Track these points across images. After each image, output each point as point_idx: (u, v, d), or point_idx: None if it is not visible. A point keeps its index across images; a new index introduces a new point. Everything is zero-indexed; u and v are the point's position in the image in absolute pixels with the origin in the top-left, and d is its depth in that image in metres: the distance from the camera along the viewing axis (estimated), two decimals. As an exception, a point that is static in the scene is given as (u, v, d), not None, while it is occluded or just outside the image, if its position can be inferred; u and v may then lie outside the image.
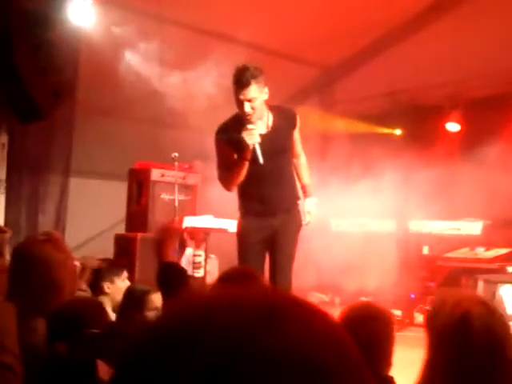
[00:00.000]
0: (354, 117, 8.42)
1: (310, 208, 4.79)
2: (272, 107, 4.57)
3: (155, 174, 7.25)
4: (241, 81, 4.31)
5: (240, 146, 4.42)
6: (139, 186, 7.35)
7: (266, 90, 4.40)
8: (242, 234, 4.74)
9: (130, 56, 5.96)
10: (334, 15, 7.04)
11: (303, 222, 4.72)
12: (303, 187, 4.84)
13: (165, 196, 7.27)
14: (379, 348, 2.44)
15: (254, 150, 4.38)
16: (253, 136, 4.36)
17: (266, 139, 4.42)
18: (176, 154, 6.61)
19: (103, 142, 7.73)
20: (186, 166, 7.37)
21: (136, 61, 5.94)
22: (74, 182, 8.03)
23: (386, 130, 8.63)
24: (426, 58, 7.50)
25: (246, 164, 4.44)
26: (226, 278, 2.86)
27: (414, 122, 8.16)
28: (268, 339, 0.70)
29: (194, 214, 7.10)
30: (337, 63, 8.51)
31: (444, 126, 8.34)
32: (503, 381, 1.94)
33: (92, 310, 2.59)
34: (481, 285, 6.01)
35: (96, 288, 4.69)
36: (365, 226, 7.96)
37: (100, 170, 8.26)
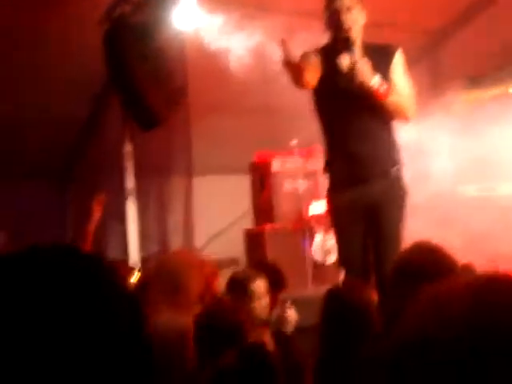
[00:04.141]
0: (464, 81, 8.07)
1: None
2: (365, 42, 3.89)
3: (276, 165, 7.27)
4: None
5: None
6: (261, 179, 7.40)
7: (364, 14, 3.84)
8: (332, 213, 3.97)
9: (234, 49, 5.98)
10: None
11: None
12: None
13: (288, 185, 7.28)
14: None
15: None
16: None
17: (350, 78, 3.72)
18: (295, 141, 6.59)
19: (220, 138, 7.82)
20: (305, 152, 7.33)
21: (241, 53, 5.96)
22: (197, 181, 8.20)
23: (500, 90, 8.19)
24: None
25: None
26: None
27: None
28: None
29: (318, 199, 7.07)
30: (439, 26, 8.21)
31: None
32: None
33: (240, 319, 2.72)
34: None
35: None
36: (494, 190, 7.62)
37: (220, 166, 8.36)
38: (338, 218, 3.97)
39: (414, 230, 5.71)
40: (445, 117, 6.92)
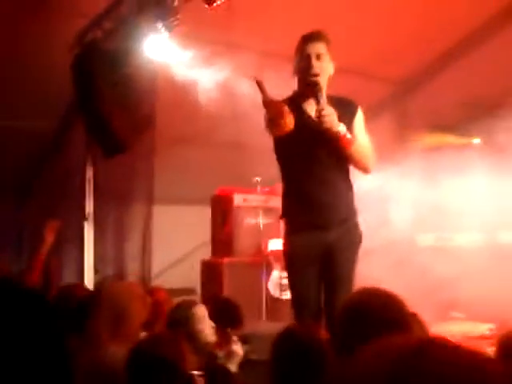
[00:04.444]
0: (429, 129, 8.22)
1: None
2: (329, 94, 3.88)
3: (238, 200, 7.30)
4: (311, 35, 3.86)
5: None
6: (223, 212, 7.42)
7: (333, 65, 3.89)
8: (287, 256, 3.99)
9: (203, 84, 6.02)
10: (401, 27, 6.94)
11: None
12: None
13: (249, 220, 7.31)
14: None
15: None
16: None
17: (317, 124, 3.73)
18: (258, 179, 6.67)
19: (184, 170, 7.84)
20: (267, 190, 7.39)
21: (210, 88, 6.00)
22: (158, 209, 8.18)
23: (463, 140, 8.36)
24: (503, 64, 7.27)
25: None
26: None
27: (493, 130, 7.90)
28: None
29: (278, 236, 7.11)
30: (407, 76, 8.38)
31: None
32: None
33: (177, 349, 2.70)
34: None
35: None
36: (451, 240, 7.75)
37: (182, 197, 8.38)
38: (292, 260, 3.99)
39: (369, 275, 5.77)
40: (407, 166, 7.03)
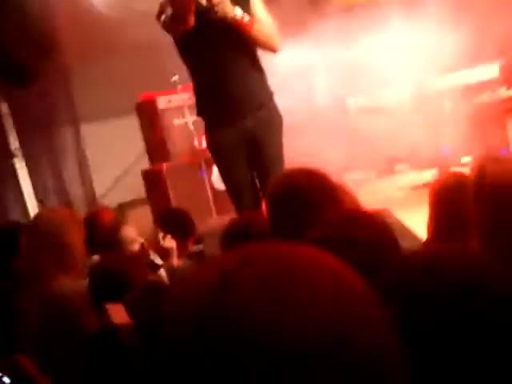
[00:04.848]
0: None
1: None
2: None
3: (162, 102, 7.13)
4: None
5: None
6: (149, 118, 7.27)
7: None
8: (213, 151, 4.00)
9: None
10: None
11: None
12: None
13: (177, 121, 7.17)
14: None
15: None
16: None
17: (211, 11, 3.62)
18: (176, 77, 6.49)
19: (101, 82, 7.57)
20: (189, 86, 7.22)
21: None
22: (87, 129, 7.98)
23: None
24: None
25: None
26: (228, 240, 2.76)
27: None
28: (216, 314, 0.66)
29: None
30: None
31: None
32: None
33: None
34: (510, 124, 5.91)
35: None
36: (380, 97, 7.75)
37: (108, 110, 8.13)
38: (218, 155, 3.99)
39: (305, 148, 5.80)
40: (322, 31, 6.92)
